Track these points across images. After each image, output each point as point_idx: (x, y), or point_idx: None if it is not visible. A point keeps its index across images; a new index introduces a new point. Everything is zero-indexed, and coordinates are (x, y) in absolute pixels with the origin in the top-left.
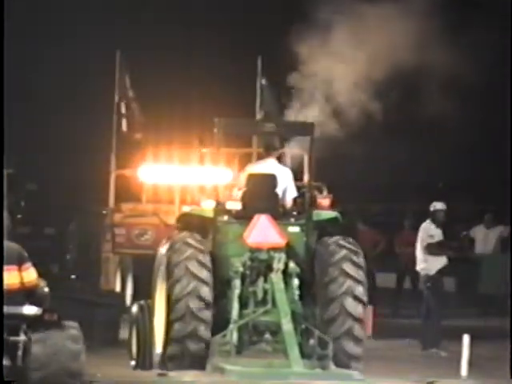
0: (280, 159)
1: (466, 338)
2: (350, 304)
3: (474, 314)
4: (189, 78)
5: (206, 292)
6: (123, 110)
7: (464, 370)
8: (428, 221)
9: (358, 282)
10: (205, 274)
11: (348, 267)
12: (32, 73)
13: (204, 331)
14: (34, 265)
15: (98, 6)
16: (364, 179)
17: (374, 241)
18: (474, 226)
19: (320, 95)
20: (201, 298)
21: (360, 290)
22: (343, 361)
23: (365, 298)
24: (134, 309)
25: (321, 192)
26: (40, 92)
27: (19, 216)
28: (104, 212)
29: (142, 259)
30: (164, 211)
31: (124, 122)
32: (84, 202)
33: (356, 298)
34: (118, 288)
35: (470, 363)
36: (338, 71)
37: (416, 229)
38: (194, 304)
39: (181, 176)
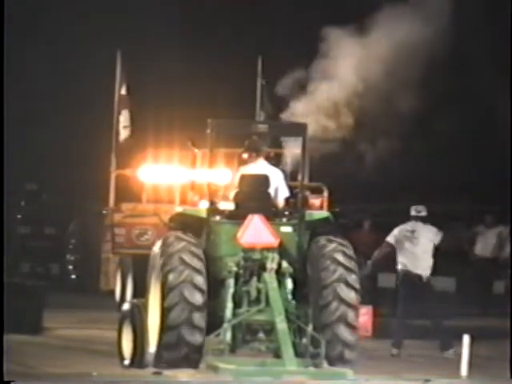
0: (270, 159)
1: (465, 338)
2: (343, 290)
3: (474, 314)
4: (189, 78)
5: (201, 281)
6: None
7: (464, 369)
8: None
9: (350, 270)
10: (198, 264)
11: (339, 257)
12: (32, 73)
13: (199, 322)
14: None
15: (98, 6)
16: (364, 179)
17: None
18: (473, 225)
19: (321, 95)
20: (196, 287)
21: (352, 278)
22: (337, 349)
23: (357, 286)
24: (126, 307)
25: (321, 192)
26: (40, 92)
27: (19, 216)
28: (104, 212)
29: (142, 259)
30: (164, 211)
31: (126, 131)
32: (84, 202)
33: (348, 285)
34: (117, 288)
35: (470, 363)
36: (339, 71)
37: None
38: (189, 291)
39: (180, 176)
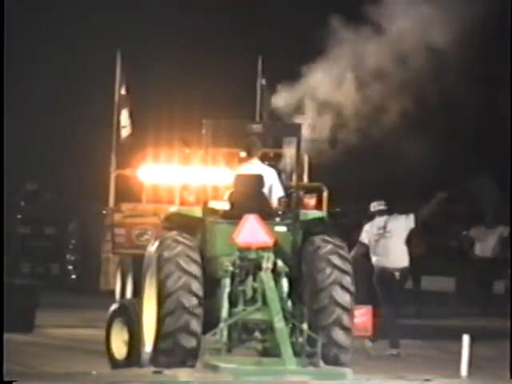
0: (270, 160)
1: (465, 338)
2: (339, 294)
3: (474, 314)
4: (189, 78)
5: (197, 287)
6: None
7: (464, 370)
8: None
9: (345, 272)
10: (195, 269)
11: (335, 259)
12: (32, 73)
13: (195, 325)
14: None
15: (98, 6)
16: (367, 179)
17: None
18: (473, 226)
19: (321, 94)
20: (192, 293)
21: (347, 280)
22: (332, 351)
23: (352, 288)
24: (116, 307)
25: (321, 193)
26: (40, 92)
27: (19, 216)
28: (104, 212)
29: (142, 259)
30: (164, 211)
31: (126, 131)
32: (84, 202)
33: (344, 288)
34: (117, 288)
35: (470, 363)
36: (339, 71)
37: (423, 229)
38: (186, 298)
39: (180, 176)
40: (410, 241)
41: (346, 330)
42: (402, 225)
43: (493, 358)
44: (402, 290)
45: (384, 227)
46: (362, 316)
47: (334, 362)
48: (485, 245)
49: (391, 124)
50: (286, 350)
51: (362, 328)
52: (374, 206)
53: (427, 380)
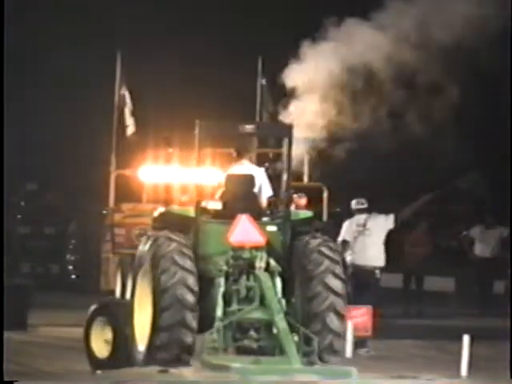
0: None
1: (465, 338)
2: (331, 280)
3: (473, 314)
4: (189, 79)
5: (193, 282)
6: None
7: (464, 370)
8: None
9: (336, 262)
10: (190, 265)
11: (325, 250)
12: (32, 73)
13: (191, 320)
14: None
15: (98, 6)
16: (373, 179)
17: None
18: (473, 226)
19: (323, 94)
20: (188, 288)
21: (339, 269)
22: (327, 338)
23: (344, 276)
24: (98, 306)
25: (321, 193)
26: (40, 92)
27: (19, 216)
28: (104, 212)
29: None
30: None
31: (130, 127)
32: (84, 202)
33: (336, 276)
34: (117, 288)
35: (470, 363)
36: (337, 68)
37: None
38: (182, 293)
39: (174, 176)
40: (416, 241)
41: (340, 315)
42: (382, 224)
43: (493, 358)
44: (379, 289)
45: (364, 225)
46: (362, 316)
47: (329, 349)
48: (485, 245)
49: (418, 120)
50: (290, 348)
51: (361, 328)
52: (355, 204)
53: (428, 380)
